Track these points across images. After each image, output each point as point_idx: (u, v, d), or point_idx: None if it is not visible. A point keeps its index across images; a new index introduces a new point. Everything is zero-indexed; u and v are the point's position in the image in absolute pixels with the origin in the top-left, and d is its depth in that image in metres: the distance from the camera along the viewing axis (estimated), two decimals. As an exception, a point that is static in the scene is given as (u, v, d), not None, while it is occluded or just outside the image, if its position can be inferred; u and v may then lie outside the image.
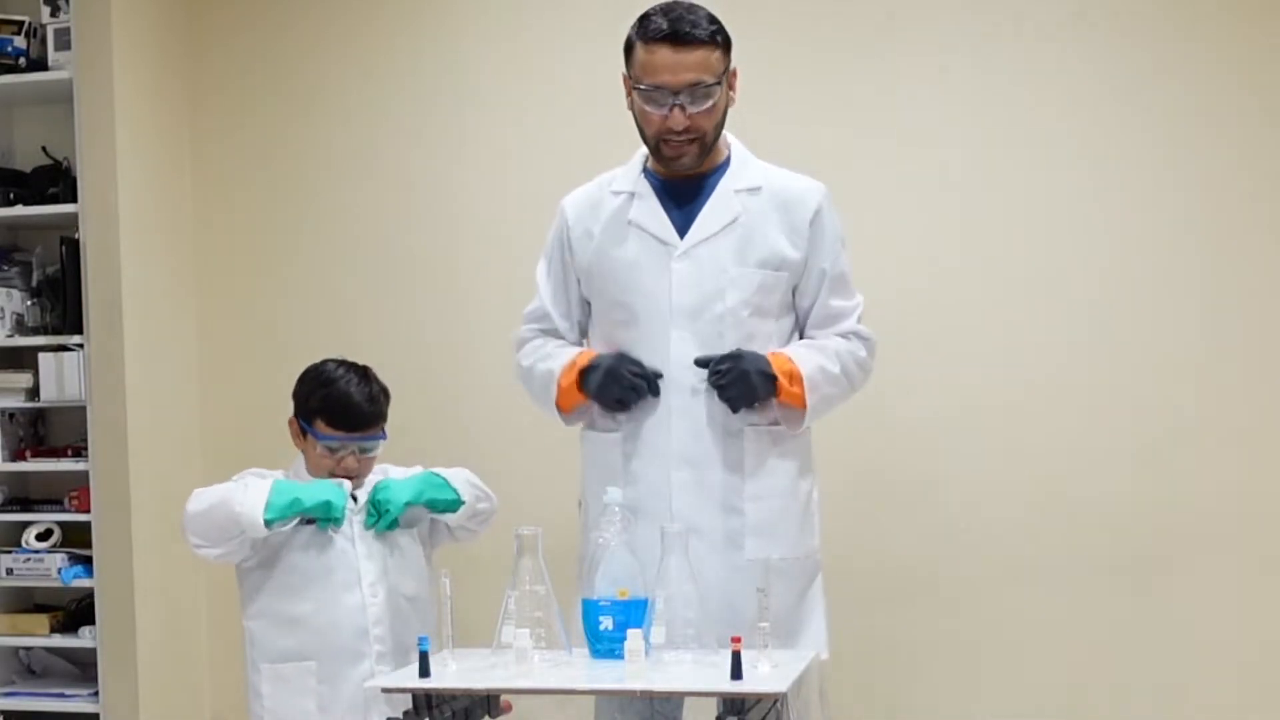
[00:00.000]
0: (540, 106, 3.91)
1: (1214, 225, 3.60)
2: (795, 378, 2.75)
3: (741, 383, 2.71)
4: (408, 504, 2.95)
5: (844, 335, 2.85)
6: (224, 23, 4.17)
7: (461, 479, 3.03)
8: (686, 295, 2.76)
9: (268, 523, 2.83)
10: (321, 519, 2.90)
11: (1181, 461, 3.60)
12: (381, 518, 2.94)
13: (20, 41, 3.99)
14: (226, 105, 4.18)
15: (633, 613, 2.41)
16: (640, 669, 2.27)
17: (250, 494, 2.85)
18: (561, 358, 2.86)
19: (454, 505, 2.99)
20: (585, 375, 2.80)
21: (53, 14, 4.01)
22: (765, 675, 2.26)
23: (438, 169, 4.04)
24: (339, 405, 2.96)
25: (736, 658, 2.22)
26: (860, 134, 3.75)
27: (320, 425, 2.97)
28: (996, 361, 3.69)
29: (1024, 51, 3.68)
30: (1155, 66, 3.62)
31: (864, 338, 2.88)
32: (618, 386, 2.75)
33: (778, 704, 2.20)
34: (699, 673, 2.31)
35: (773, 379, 2.74)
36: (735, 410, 2.74)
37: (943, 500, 3.71)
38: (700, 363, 2.74)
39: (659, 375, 2.76)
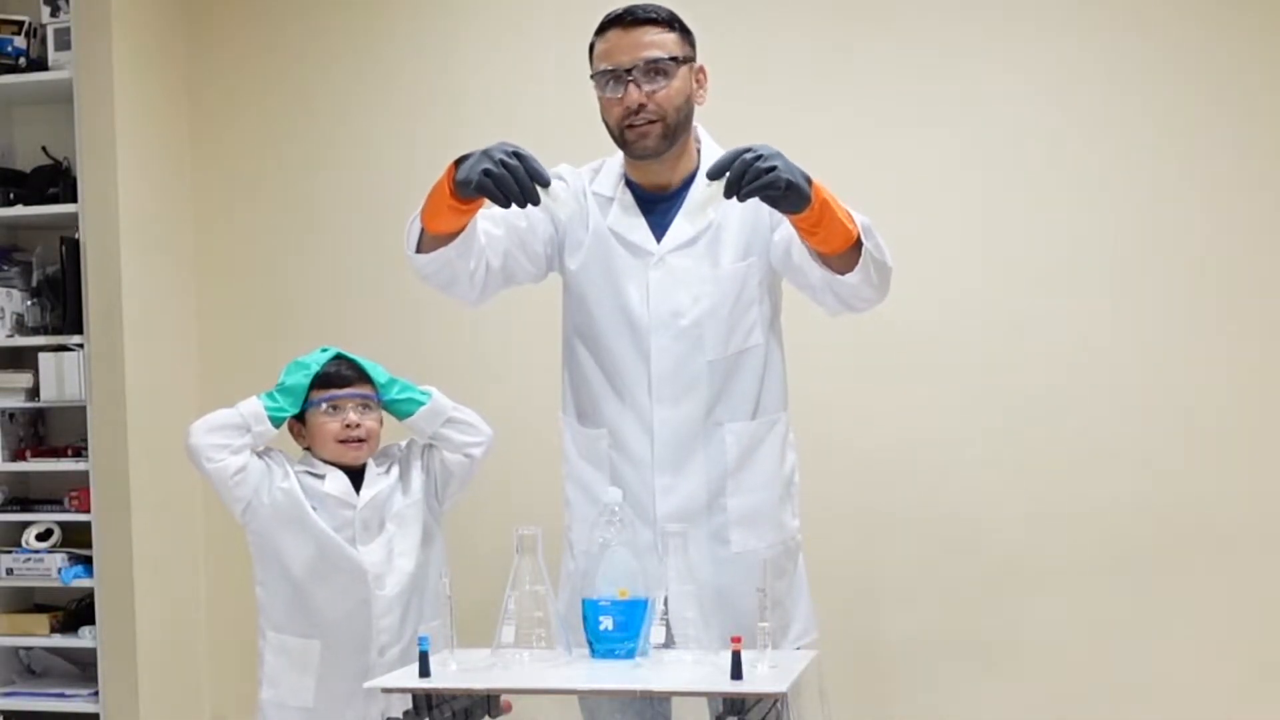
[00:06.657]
0: (539, 106, 3.90)
1: (1214, 225, 3.60)
2: (825, 196, 2.46)
3: (780, 158, 2.39)
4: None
5: None
6: (223, 23, 4.17)
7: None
8: (664, 304, 2.73)
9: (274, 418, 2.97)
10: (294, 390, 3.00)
11: (1182, 462, 3.60)
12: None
13: (20, 41, 3.99)
14: (226, 105, 4.18)
15: (633, 613, 2.41)
16: (640, 669, 2.27)
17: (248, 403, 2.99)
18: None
19: (413, 405, 3.05)
20: (459, 162, 2.52)
21: (53, 14, 4.01)
22: (765, 675, 2.26)
23: (438, 168, 4.02)
24: (326, 372, 3.03)
25: (736, 658, 2.21)
26: (858, 131, 3.76)
27: (314, 394, 3.02)
28: (997, 361, 3.69)
29: (1024, 47, 3.69)
30: (1161, 59, 3.63)
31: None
32: (487, 160, 2.47)
33: (778, 704, 2.20)
34: (699, 673, 2.31)
35: (807, 179, 2.42)
36: (781, 199, 2.39)
37: (943, 500, 3.71)
38: (713, 173, 2.42)
39: (547, 180, 2.49)
